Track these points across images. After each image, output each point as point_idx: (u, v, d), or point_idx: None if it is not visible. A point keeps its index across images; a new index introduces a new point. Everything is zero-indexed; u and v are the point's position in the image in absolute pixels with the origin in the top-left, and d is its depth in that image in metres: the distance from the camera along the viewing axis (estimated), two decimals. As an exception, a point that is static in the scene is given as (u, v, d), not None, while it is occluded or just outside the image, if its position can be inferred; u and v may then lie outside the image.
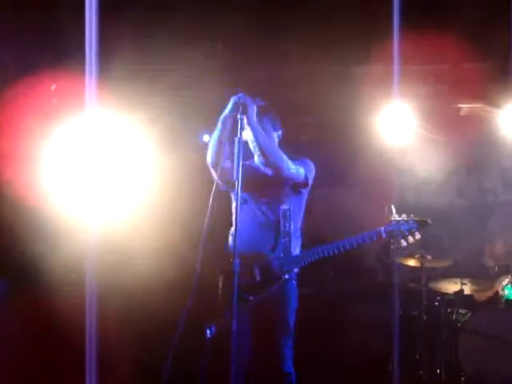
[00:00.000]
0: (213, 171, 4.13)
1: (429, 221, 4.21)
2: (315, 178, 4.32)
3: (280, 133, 4.33)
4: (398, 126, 5.91)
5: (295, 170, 4.17)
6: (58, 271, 5.49)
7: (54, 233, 5.62)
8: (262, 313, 4.06)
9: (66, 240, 5.50)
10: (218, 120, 4.03)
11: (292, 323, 4.14)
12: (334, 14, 5.09)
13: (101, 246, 4.98)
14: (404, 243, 4.15)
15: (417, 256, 6.12)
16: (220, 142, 4.01)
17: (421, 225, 4.16)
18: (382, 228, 4.12)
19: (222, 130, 4.00)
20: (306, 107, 6.07)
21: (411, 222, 4.14)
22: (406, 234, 4.12)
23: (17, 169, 5.32)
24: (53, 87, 5.38)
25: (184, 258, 5.45)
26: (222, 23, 5.36)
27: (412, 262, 6.08)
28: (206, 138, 6.00)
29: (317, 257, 4.09)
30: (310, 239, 6.65)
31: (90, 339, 4.28)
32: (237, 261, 3.52)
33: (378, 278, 7.02)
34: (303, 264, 4.12)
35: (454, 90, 5.87)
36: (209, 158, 4.15)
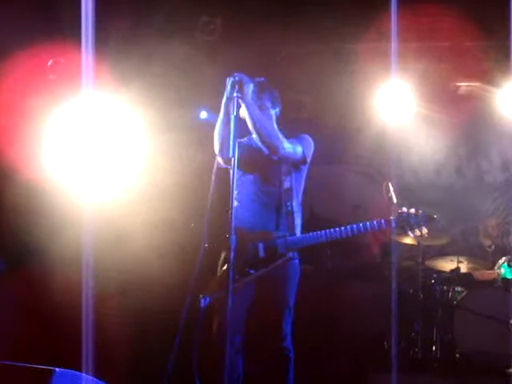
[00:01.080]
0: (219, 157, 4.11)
1: (436, 217, 4.16)
2: (313, 155, 4.32)
3: (278, 110, 4.31)
4: (396, 103, 5.90)
5: (291, 148, 4.15)
6: (56, 251, 5.51)
7: (53, 212, 5.62)
8: (264, 290, 4.09)
9: (64, 219, 5.51)
10: (219, 103, 4.01)
11: (292, 301, 4.17)
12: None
13: (97, 224, 5.01)
14: (410, 235, 4.14)
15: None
16: (224, 129, 3.97)
17: (428, 220, 4.11)
18: (392, 218, 4.09)
19: (225, 116, 3.96)
20: (304, 85, 6.05)
21: (421, 215, 4.09)
22: (414, 227, 4.08)
23: (14, 146, 5.31)
24: (50, 63, 5.36)
25: (180, 234, 5.47)
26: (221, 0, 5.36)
27: (408, 240, 6.11)
28: (203, 114, 5.99)
29: (322, 239, 4.07)
30: (307, 217, 6.72)
31: (86, 317, 4.29)
32: (233, 236, 3.53)
33: (374, 256, 7.04)
34: (308, 244, 4.10)
35: (452, 68, 5.86)
36: (216, 148, 4.13)
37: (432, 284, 6.11)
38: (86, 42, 4.32)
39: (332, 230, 4.08)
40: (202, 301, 3.77)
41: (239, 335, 4.06)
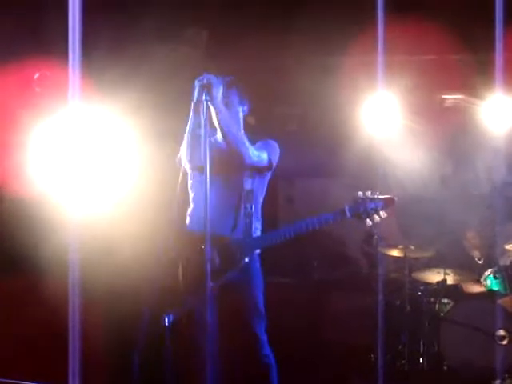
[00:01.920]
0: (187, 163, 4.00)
1: (395, 198, 4.01)
2: (297, 166, 4.25)
3: (246, 107, 4.18)
4: (382, 116, 5.92)
5: (257, 157, 4.02)
6: (43, 260, 5.47)
7: (39, 222, 5.58)
8: (228, 299, 3.95)
9: (51, 229, 5.47)
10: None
11: (262, 306, 4.03)
12: (318, 5, 5.07)
13: (85, 234, 4.96)
14: (369, 222, 3.95)
15: (400, 246, 6.16)
16: (193, 134, 3.86)
17: (387, 202, 3.97)
18: (347, 207, 3.95)
19: (194, 119, 3.83)
20: (291, 98, 6.06)
21: (377, 199, 3.95)
22: (372, 212, 3.92)
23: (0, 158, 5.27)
24: (36, 76, 5.33)
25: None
26: (208, 12, 5.34)
27: (395, 252, 6.13)
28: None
29: (278, 239, 3.94)
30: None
31: (73, 328, 4.25)
32: (208, 248, 3.42)
33: (361, 268, 7.05)
34: (264, 245, 3.98)
35: (438, 81, 5.89)
36: (184, 154, 4.03)
37: (419, 296, 6.11)
38: (73, 54, 4.29)
39: (286, 228, 3.95)
40: (166, 319, 3.59)
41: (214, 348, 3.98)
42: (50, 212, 5.36)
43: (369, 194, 3.97)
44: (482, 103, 6.03)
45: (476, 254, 6.43)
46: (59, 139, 5.54)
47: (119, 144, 5.79)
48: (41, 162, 5.58)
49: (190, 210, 4.17)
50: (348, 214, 3.96)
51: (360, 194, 3.97)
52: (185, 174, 3.92)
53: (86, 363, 4.14)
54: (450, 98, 6.17)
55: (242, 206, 4.02)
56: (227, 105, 3.97)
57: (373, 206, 3.95)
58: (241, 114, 4.18)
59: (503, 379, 5.51)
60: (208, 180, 3.53)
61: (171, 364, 3.64)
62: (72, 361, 3.90)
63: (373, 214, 3.95)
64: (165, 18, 5.23)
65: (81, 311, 4.40)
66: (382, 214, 3.96)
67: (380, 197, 3.99)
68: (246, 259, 3.94)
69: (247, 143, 3.99)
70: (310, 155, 6.52)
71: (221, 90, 3.82)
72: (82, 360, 4.06)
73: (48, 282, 5.32)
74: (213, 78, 3.76)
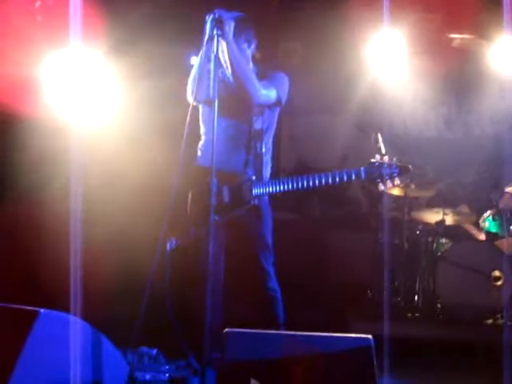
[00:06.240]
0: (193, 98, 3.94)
1: (410, 167, 4.00)
2: (300, 102, 4.24)
3: (253, 47, 4.17)
4: (388, 52, 5.83)
5: (265, 96, 4.04)
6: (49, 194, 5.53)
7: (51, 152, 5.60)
8: (237, 233, 4.05)
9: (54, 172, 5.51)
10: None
11: (270, 240, 4.10)
12: None
13: (88, 168, 4.99)
14: (382, 187, 3.97)
15: (402, 184, 6.16)
16: (203, 68, 3.81)
17: (403, 170, 3.97)
18: (362, 168, 3.95)
19: (205, 54, 3.79)
20: (294, 32, 5.98)
21: (394, 166, 3.94)
22: (386, 178, 3.94)
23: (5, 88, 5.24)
24: (37, 4, 5.27)
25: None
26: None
27: (395, 191, 6.11)
28: (193, 60, 5.91)
29: (289, 187, 3.96)
30: (294, 165, 6.74)
31: (74, 261, 4.29)
32: (214, 180, 3.47)
33: (361, 206, 7.08)
34: (273, 191, 4.00)
35: (445, 20, 5.79)
36: (190, 88, 4.01)
37: (417, 235, 6.15)
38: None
39: (299, 178, 3.96)
40: (168, 244, 3.73)
41: (219, 279, 4.04)
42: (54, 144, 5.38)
43: (386, 158, 3.98)
44: (490, 44, 5.94)
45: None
46: (62, 70, 5.52)
47: (122, 78, 5.76)
48: (43, 95, 5.57)
49: (201, 144, 4.21)
50: (363, 176, 3.97)
51: (378, 157, 3.98)
52: (193, 109, 3.92)
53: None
54: (458, 37, 6.07)
55: (253, 146, 4.05)
56: (237, 41, 3.97)
57: (388, 171, 3.95)
58: (249, 52, 4.17)
59: (495, 319, 5.61)
60: (216, 114, 3.54)
61: (170, 287, 3.73)
62: (74, 293, 3.96)
63: (387, 180, 3.97)
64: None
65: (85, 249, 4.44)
66: (396, 181, 3.99)
67: (397, 164, 3.99)
68: (256, 202, 3.99)
69: (256, 82, 4.00)
70: (313, 91, 6.49)
71: (232, 25, 3.84)
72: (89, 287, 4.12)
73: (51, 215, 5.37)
74: (224, 14, 3.77)
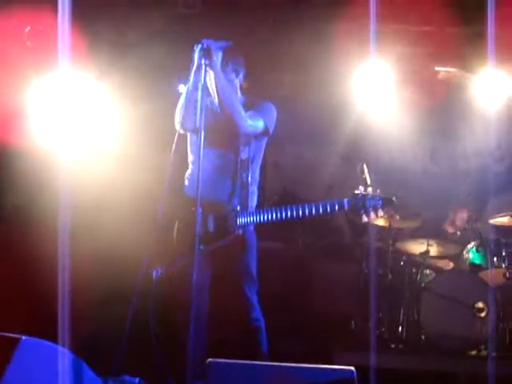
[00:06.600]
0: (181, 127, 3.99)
1: (394, 199, 4.02)
2: (287, 133, 4.27)
3: (241, 76, 4.22)
4: (375, 84, 5.89)
5: (252, 126, 4.08)
6: (35, 212, 5.51)
7: (32, 176, 5.59)
8: (222, 262, 4.06)
9: (42, 190, 5.49)
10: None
11: (254, 270, 4.12)
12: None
13: (76, 191, 4.98)
14: (365, 219, 3.98)
15: (385, 216, 6.18)
16: (191, 97, 3.83)
17: (386, 202, 3.99)
18: (346, 200, 3.97)
19: (193, 84, 3.82)
20: (283, 64, 6.03)
21: (378, 198, 3.96)
22: (370, 209, 3.94)
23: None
24: (27, 29, 5.28)
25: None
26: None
27: (380, 222, 6.14)
28: (181, 88, 5.94)
29: (273, 217, 3.97)
30: (279, 195, 6.76)
31: (62, 287, 4.27)
32: (199, 208, 3.50)
33: (345, 236, 7.09)
34: (258, 222, 4.01)
35: (430, 53, 5.86)
36: (178, 118, 4.03)
37: (401, 266, 6.17)
38: (63, 9, 4.26)
39: (283, 208, 3.97)
40: (154, 273, 3.74)
41: (203, 308, 4.03)
42: (44, 165, 5.37)
43: (370, 190, 3.98)
44: (475, 77, 6.01)
45: (450, 229, 6.40)
46: (50, 94, 5.54)
47: (111, 102, 5.78)
48: (33, 118, 5.58)
49: (188, 173, 4.21)
50: (346, 207, 3.98)
51: (362, 188, 3.99)
52: (180, 137, 3.93)
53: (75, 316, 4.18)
54: (443, 70, 6.14)
55: (239, 175, 4.06)
56: (225, 71, 4.02)
57: (372, 203, 3.96)
58: (237, 81, 4.21)
59: (479, 350, 5.61)
60: (202, 144, 3.60)
61: (153, 316, 3.76)
62: (61, 314, 3.94)
63: (370, 211, 3.97)
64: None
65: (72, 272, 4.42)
66: (380, 212, 3.99)
67: (381, 195, 4.00)
68: (240, 231, 3.99)
69: (242, 112, 4.03)
70: (300, 121, 6.53)
71: (220, 55, 3.88)
72: (71, 313, 4.09)
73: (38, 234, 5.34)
74: (212, 43, 3.81)
